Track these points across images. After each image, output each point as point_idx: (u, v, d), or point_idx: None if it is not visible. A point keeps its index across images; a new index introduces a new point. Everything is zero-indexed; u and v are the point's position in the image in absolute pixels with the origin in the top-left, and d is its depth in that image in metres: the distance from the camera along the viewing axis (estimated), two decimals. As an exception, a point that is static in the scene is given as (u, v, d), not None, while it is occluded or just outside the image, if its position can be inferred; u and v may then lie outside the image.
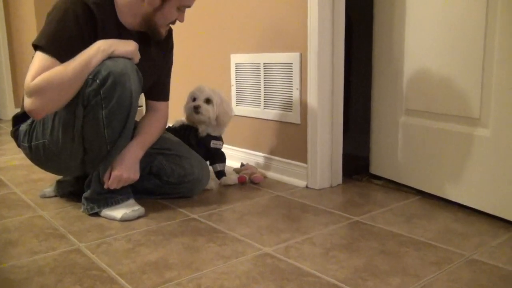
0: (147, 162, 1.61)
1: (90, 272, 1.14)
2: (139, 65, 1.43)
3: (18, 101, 4.09)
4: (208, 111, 1.73)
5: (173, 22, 1.53)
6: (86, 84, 1.35)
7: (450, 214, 1.51)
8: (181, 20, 1.54)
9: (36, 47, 1.38)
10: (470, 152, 1.49)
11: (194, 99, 1.77)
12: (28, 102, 1.36)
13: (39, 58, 1.36)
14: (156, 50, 1.60)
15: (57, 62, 1.34)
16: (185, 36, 2.41)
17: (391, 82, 1.78)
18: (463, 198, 1.53)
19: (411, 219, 1.47)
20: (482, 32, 1.40)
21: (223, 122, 1.78)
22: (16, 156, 2.47)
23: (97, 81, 1.34)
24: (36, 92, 1.33)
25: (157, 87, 1.66)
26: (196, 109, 1.73)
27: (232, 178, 1.86)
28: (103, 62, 1.35)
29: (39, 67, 1.34)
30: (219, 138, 1.83)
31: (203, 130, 1.79)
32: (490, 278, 1.08)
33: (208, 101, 1.74)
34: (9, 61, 4.13)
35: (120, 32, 1.47)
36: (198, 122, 1.77)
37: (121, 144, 1.46)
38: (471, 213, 1.51)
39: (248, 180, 1.91)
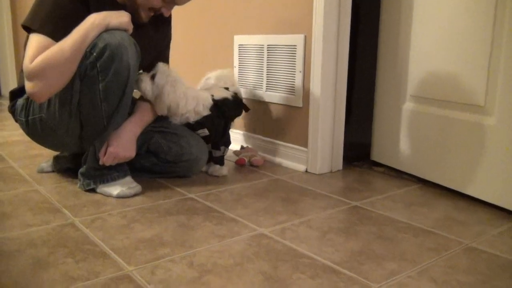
0: (144, 139, 1.59)
1: (83, 246, 1.13)
2: (136, 41, 1.40)
3: (20, 79, 4.08)
4: (142, 81, 1.56)
5: (156, 11, 1.47)
6: (83, 57, 1.33)
7: (451, 202, 1.49)
8: (166, 14, 1.49)
9: (29, 29, 1.36)
10: (474, 140, 1.46)
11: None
12: (29, 86, 1.34)
13: (35, 39, 1.34)
14: (153, 25, 1.57)
15: (53, 42, 1.33)
16: (187, 16, 2.38)
17: (396, 68, 1.74)
18: (465, 187, 1.51)
19: (411, 206, 1.45)
20: (491, 19, 1.36)
21: (157, 106, 1.59)
22: (15, 132, 2.46)
23: (94, 54, 1.32)
24: (36, 74, 1.31)
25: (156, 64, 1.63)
26: (138, 76, 1.57)
27: (222, 172, 1.74)
28: (99, 34, 1.33)
29: (37, 49, 1.32)
30: (201, 126, 1.69)
31: (171, 118, 1.67)
32: (488, 266, 1.06)
33: (153, 77, 1.57)
34: (12, 40, 4.11)
35: (114, 8, 1.43)
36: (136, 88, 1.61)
37: (118, 120, 1.44)
38: (472, 202, 1.48)
39: (248, 163, 1.89)
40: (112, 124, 1.43)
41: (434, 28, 1.57)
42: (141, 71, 1.59)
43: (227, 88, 1.82)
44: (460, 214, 1.38)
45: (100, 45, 1.32)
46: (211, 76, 1.89)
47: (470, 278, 1.00)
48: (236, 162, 1.88)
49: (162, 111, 1.60)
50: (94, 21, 1.33)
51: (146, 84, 1.56)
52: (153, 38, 1.58)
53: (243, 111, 1.88)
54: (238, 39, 2.10)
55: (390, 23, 1.76)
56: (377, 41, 1.84)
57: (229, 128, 1.77)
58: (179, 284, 0.96)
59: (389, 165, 1.84)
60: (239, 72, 2.12)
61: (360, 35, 1.87)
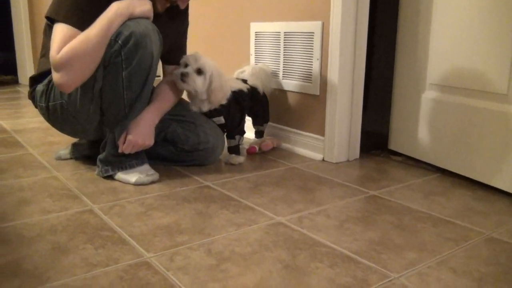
0: (161, 128, 1.59)
1: (102, 232, 1.14)
2: None
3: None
4: (194, 81, 1.55)
5: (172, 2, 1.46)
6: (108, 45, 1.34)
7: (470, 192, 1.47)
8: (181, 6, 1.48)
9: (52, 20, 1.36)
10: (495, 129, 1.43)
11: (186, 66, 1.58)
12: (57, 77, 1.35)
13: (60, 30, 1.34)
14: (170, 13, 1.56)
15: (78, 31, 1.33)
16: (204, 3, 2.37)
17: (415, 55, 1.71)
18: (485, 176, 1.49)
19: (430, 195, 1.43)
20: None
21: (215, 98, 1.61)
22: (34, 119, 2.48)
23: (119, 42, 1.33)
24: (63, 65, 1.33)
25: (174, 51, 1.62)
26: (183, 76, 1.55)
27: (238, 160, 1.74)
28: (124, 23, 1.34)
29: (62, 39, 1.33)
30: (217, 114, 1.69)
31: (193, 106, 1.66)
32: (509, 256, 1.04)
33: (199, 71, 1.56)
34: (29, 28, 4.14)
35: None
36: (186, 91, 1.64)
37: (139, 107, 1.45)
38: (491, 191, 1.46)
39: (259, 150, 1.88)
40: (133, 111, 1.44)
41: (455, 13, 1.53)
42: (188, 66, 1.56)
43: (245, 81, 1.82)
44: (479, 204, 1.36)
45: (126, 33, 1.33)
46: (246, 70, 1.92)
47: (490, 268, 0.99)
48: (248, 151, 1.87)
49: (219, 102, 1.64)
50: (117, 10, 1.33)
51: (195, 81, 1.56)
52: (169, 27, 1.57)
53: (264, 108, 1.89)
54: (255, 26, 2.08)
55: (410, 8, 1.72)
56: (396, 27, 1.81)
57: (244, 119, 1.77)
58: (197, 271, 0.96)
59: (407, 154, 1.82)
60: (255, 59, 2.11)
61: (379, 22, 1.84)
